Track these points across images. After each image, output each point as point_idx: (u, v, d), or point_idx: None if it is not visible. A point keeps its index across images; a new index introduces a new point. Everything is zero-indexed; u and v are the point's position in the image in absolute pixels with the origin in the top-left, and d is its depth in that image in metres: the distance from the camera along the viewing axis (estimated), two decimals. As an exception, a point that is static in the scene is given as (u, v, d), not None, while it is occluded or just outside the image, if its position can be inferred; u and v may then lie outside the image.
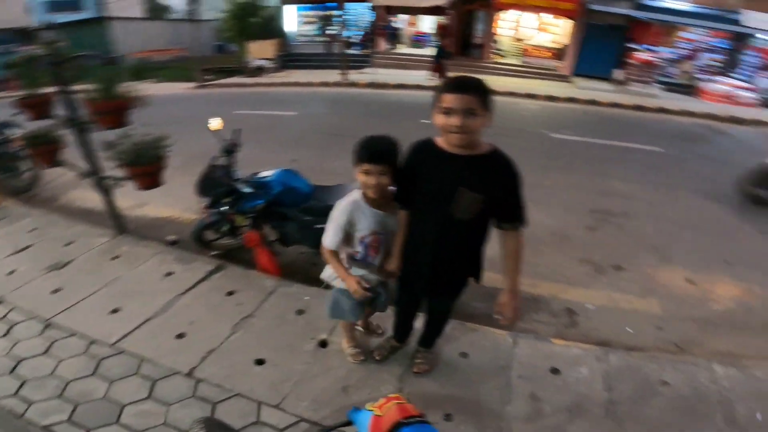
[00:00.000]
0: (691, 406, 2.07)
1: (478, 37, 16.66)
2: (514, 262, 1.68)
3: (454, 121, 1.44)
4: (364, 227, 1.78)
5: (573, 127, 8.17)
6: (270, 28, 19.59)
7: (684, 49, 14.01)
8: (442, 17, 16.24)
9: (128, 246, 3.37)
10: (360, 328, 2.47)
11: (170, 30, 25.22)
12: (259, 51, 17.64)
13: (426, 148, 1.64)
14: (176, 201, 4.45)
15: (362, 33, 18.35)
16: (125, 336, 2.42)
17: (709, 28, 13.42)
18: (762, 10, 12.21)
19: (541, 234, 3.90)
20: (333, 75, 14.42)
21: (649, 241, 4.01)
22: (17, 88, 3.51)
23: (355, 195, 1.80)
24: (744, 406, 2.07)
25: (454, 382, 2.18)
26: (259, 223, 3.19)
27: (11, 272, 3.03)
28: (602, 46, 13.96)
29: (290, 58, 18.23)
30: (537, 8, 14.33)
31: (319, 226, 2.91)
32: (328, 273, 1.99)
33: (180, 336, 2.44)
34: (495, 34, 15.75)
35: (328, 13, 17.92)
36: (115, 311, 2.63)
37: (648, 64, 13.10)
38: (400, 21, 19.16)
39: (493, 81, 12.64)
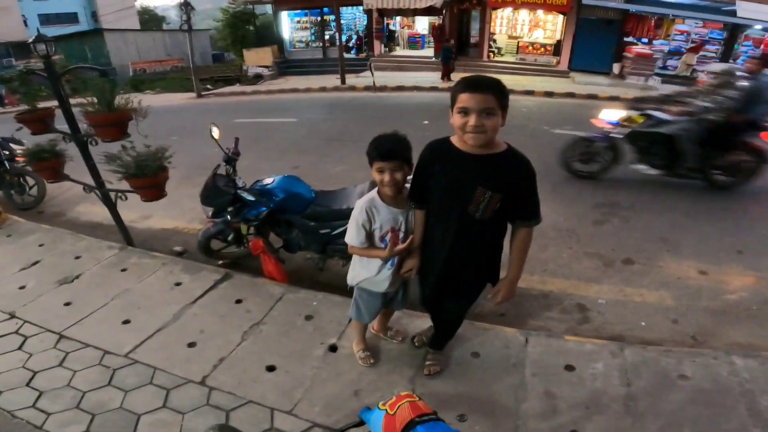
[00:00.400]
0: (713, 399, 2.03)
1: (474, 36, 16.72)
2: (521, 254, 1.71)
3: (471, 120, 1.44)
4: (382, 224, 1.81)
5: (573, 122, 8.14)
6: (266, 36, 19.73)
7: (684, 41, 14.02)
8: (436, 18, 16.31)
9: (136, 258, 3.39)
10: (373, 331, 2.46)
11: (166, 40, 25.39)
12: (256, 58, 17.74)
13: (442, 148, 1.63)
14: (181, 212, 4.46)
15: (357, 37, 18.43)
16: (137, 346, 2.44)
17: (704, 19, 13.43)
18: (756, 0, 12.22)
19: (547, 230, 3.87)
20: (331, 80, 14.49)
21: (657, 233, 3.97)
22: (15, 103, 3.52)
23: (372, 193, 1.83)
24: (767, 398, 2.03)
25: (466, 382, 2.16)
26: (264, 231, 3.19)
27: (22, 287, 3.06)
28: (597, 40, 14.00)
29: (287, 64, 18.32)
30: (530, 5, 14.39)
31: (323, 231, 2.92)
32: (351, 275, 2.04)
33: (191, 345, 2.44)
34: (491, 32, 15.78)
35: (322, 18, 18.01)
36: (126, 322, 2.65)
37: (645, 57, 13.09)
38: (395, 23, 19.22)
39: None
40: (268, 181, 3.08)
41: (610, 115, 5.14)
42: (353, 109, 10.31)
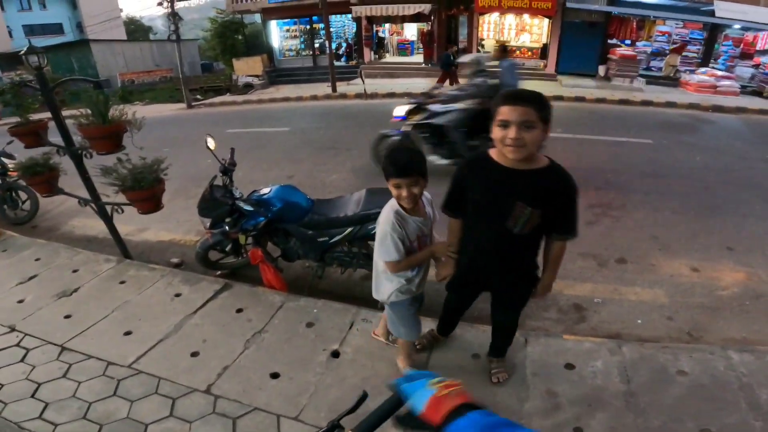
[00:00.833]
0: (713, 394, 2.07)
1: (463, 41, 16.90)
2: (555, 264, 1.76)
3: (510, 133, 1.41)
4: (410, 234, 1.81)
5: (562, 125, 8.26)
6: (255, 45, 19.74)
7: (665, 42, 14.32)
8: (424, 24, 16.48)
9: (134, 270, 3.38)
10: (374, 335, 2.49)
11: (153, 51, 25.25)
12: (246, 68, 17.73)
13: (481, 162, 1.61)
14: (177, 224, 4.45)
15: (347, 44, 18.53)
16: (140, 357, 2.45)
17: (683, 20, 13.74)
18: (734, 0, 12.54)
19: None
20: (322, 88, 14.53)
21: (648, 232, 4.05)
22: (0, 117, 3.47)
23: (392, 205, 1.79)
24: (767, 392, 2.06)
25: (468, 384, 2.13)
26: (262, 241, 3.20)
27: (21, 301, 3.05)
28: (582, 43, 14.22)
29: (278, 73, 18.34)
30: (516, 9, 14.57)
31: (321, 239, 2.94)
32: (383, 294, 1.97)
33: (194, 354, 2.46)
34: (479, 37, 15.97)
35: (311, 26, 18.10)
36: (127, 334, 2.66)
37: (629, 59, 13.34)
38: (384, 30, 19.38)
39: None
40: (265, 191, 3.10)
41: (399, 111, 5.44)
42: (345, 117, 10.35)
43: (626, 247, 3.79)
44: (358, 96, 12.98)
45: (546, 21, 14.84)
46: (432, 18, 15.80)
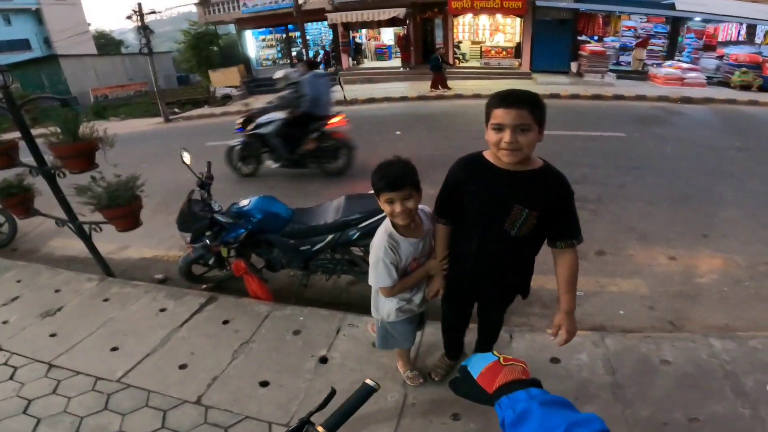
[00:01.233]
0: (698, 383, 2.09)
1: (439, 44, 17.11)
2: (571, 280, 1.61)
3: (505, 137, 1.37)
4: (405, 258, 1.73)
5: (539, 122, 8.44)
6: (231, 55, 19.58)
7: (632, 37, 14.76)
8: (400, 28, 16.63)
9: (117, 288, 3.35)
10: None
11: (126, 64, 24.83)
12: (223, 79, 17.58)
13: (475, 164, 1.56)
14: (159, 240, 4.39)
15: (324, 52, 18.55)
16: (129, 371, 2.44)
17: (645, 14, 14.21)
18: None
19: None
20: (300, 95, 14.45)
21: (625, 224, 4.15)
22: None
23: (386, 227, 1.71)
24: (752, 379, 2.08)
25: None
26: (245, 252, 3.18)
27: (5, 322, 3.03)
28: (554, 40, 14.59)
29: (256, 83, 18.20)
30: (488, 10, 14.85)
31: (303, 248, 2.94)
32: (381, 312, 1.92)
33: (182, 367, 2.45)
34: (455, 39, 16.19)
35: (287, 35, 18.06)
36: (114, 349, 2.64)
37: (599, 55, 13.71)
38: (361, 36, 19.48)
39: (457, 85, 12.93)
40: (244, 203, 3.09)
41: (238, 123, 6.09)
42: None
43: (605, 239, 3.88)
44: (338, 103, 12.96)
45: (518, 20, 15.16)
46: (407, 22, 15.95)
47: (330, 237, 2.86)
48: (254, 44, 19.00)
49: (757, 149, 6.49)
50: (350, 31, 17.67)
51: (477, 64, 16.19)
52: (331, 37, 18.03)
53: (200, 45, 19.99)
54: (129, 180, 3.09)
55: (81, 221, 3.34)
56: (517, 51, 15.65)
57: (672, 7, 13.29)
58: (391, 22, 16.13)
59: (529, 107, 1.36)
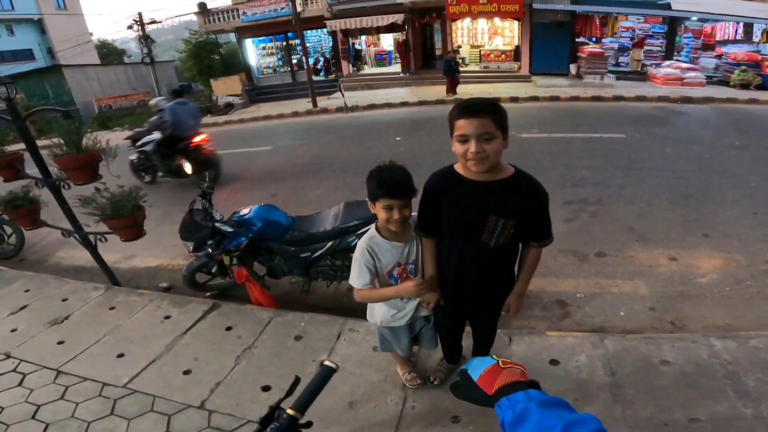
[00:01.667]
0: (699, 383, 2.09)
1: (439, 48, 17.19)
2: (530, 271, 1.71)
3: (471, 147, 1.38)
4: (387, 262, 1.73)
5: (539, 125, 8.47)
6: (232, 64, 19.70)
7: (628, 38, 14.79)
8: (400, 34, 16.72)
9: (123, 296, 3.42)
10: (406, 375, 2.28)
11: (129, 74, 24.95)
12: (225, 87, 17.70)
13: (448, 178, 1.57)
14: (163, 249, 4.45)
15: (324, 59, 18.67)
16: (134, 377, 2.49)
17: (642, 14, 14.24)
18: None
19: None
20: (303, 104, 14.59)
21: (625, 225, 4.16)
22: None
23: (371, 232, 1.74)
24: (753, 378, 2.08)
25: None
26: (247, 260, 3.22)
27: (13, 330, 3.10)
28: (552, 43, 14.64)
29: (257, 91, 18.35)
30: (486, 14, 14.91)
31: (304, 255, 2.98)
32: (375, 317, 1.95)
33: (186, 372, 2.50)
34: (453, 43, 16.27)
35: (287, 42, 18.20)
36: (120, 356, 2.70)
37: (597, 56, 13.74)
38: (361, 42, 19.59)
39: (458, 89, 12.94)
40: (245, 211, 3.14)
41: (125, 139, 7.17)
42: (327, 132, 10.41)
43: (605, 240, 3.89)
44: (339, 110, 13.07)
45: (516, 23, 15.22)
46: (406, 28, 16.05)
47: (329, 244, 2.90)
48: (255, 52, 19.15)
49: (758, 147, 6.48)
50: (349, 38, 17.79)
51: (477, 68, 16.25)
52: (330, 44, 18.15)
53: (201, 54, 20.12)
54: (132, 191, 3.14)
55: (86, 232, 3.39)
56: (516, 54, 15.71)
57: (668, 7, 13.32)
58: (390, 28, 16.23)
59: (490, 115, 1.37)
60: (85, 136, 3.05)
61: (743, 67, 12.01)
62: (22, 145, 3.18)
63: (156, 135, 6.52)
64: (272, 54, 19.13)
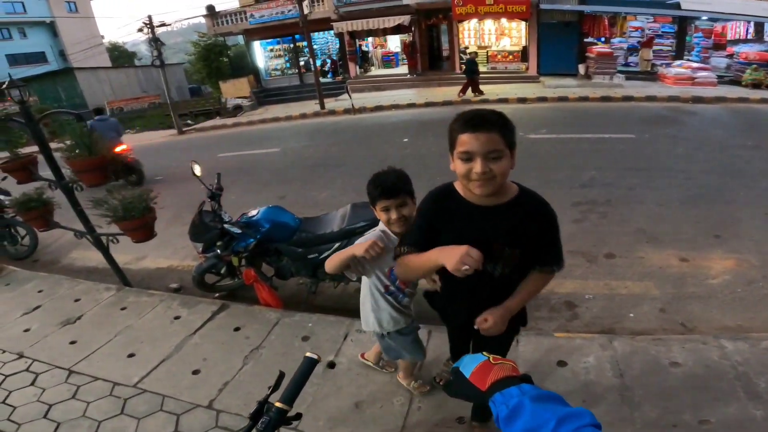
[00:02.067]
0: (709, 384, 2.07)
1: (445, 50, 17.16)
2: (527, 292, 1.48)
3: (476, 167, 1.19)
4: (391, 260, 1.65)
5: (547, 126, 8.42)
6: (241, 66, 19.88)
7: (638, 38, 14.65)
8: (406, 35, 16.74)
9: (134, 297, 3.47)
10: (362, 358, 2.44)
11: (139, 76, 25.28)
12: (234, 90, 17.85)
13: (447, 199, 1.38)
14: (173, 251, 4.51)
15: (331, 61, 18.75)
16: (144, 377, 2.54)
17: (651, 14, 14.08)
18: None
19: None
20: (310, 106, 14.66)
21: (635, 226, 4.12)
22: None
23: (382, 226, 1.74)
24: (764, 380, 2.05)
25: None
26: (255, 261, 3.25)
27: (27, 330, 3.16)
28: (560, 43, 14.52)
29: (266, 93, 18.46)
30: (493, 14, 14.86)
31: (311, 256, 3.01)
32: (368, 323, 1.96)
33: (195, 372, 2.54)
34: (461, 44, 16.23)
35: (294, 45, 18.30)
36: (131, 356, 2.75)
37: (606, 56, 13.62)
38: (368, 44, 19.64)
39: (468, 91, 12.88)
40: (253, 213, 3.17)
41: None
42: (335, 134, 10.46)
43: (614, 241, 3.86)
44: (346, 111, 13.12)
45: (523, 24, 15.14)
46: (413, 29, 16.06)
47: (337, 245, 2.92)
48: (263, 54, 19.27)
49: (770, 147, 6.38)
50: (356, 40, 17.84)
51: (484, 69, 16.18)
52: (337, 46, 18.22)
53: (210, 56, 20.32)
54: (143, 193, 3.19)
55: (98, 233, 3.45)
56: (524, 55, 15.63)
57: (677, 6, 13.17)
58: (397, 30, 16.25)
59: (499, 130, 1.19)
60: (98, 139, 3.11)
61: (755, 67, 11.82)
62: (35, 148, 3.25)
63: None
64: (280, 56, 19.24)
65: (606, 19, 14.36)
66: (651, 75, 13.67)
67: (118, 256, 3.72)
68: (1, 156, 3.64)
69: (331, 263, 1.70)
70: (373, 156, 7.46)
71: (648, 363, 2.25)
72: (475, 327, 1.47)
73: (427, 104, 12.58)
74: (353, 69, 17.80)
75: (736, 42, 13.67)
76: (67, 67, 25.08)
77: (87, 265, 4.51)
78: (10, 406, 2.39)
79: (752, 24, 13.28)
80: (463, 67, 16.30)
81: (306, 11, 13.93)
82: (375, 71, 19.30)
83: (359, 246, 1.62)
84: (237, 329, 2.89)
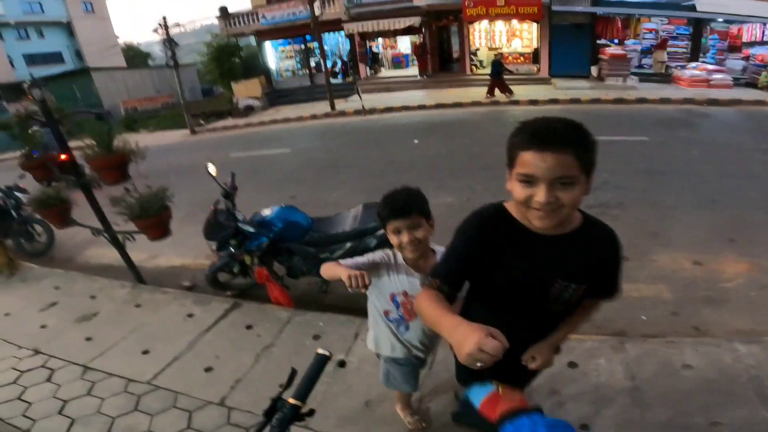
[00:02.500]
0: (721, 387, 2.06)
1: (456, 51, 17.12)
2: (580, 322, 1.37)
3: (539, 195, 0.97)
4: (395, 284, 1.57)
5: (558, 127, 8.35)
6: (252, 66, 20.01)
7: (652, 39, 14.47)
8: (416, 36, 16.75)
9: (148, 294, 3.53)
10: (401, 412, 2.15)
11: (153, 77, 25.54)
12: (245, 90, 18.01)
13: (500, 224, 1.13)
14: (187, 249, 4.57)
15: (342, 62, 18.82)
16: (158, 374, 2.57)
17: (666, 16, 13.91)
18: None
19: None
20: (321, 106, 14.73)
21: (648, 229, 4.08)
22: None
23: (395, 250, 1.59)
24: None
25: None
26: (267, 260, 3.30)
27: (43, 326, 3.21)
28: (572, 45, 14.40)
29: (277, 94, 18.58)
30: (504, 16, 14.79)
31: (323, 255, 3.04)
32: (369, 339, 1.88)
33: (208, 369, 2.57)
34: (471, 46, 16.18)
35: (305, 45, 18.42)
36: (145, 353, 2.79)
37: (619, 58, 13.47)
38: (378, 45, 19.68)
39: (475, 92, 12.88)
40: (266, 212, 3.21)
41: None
42: (345, 135, 10.50)
43: (627, 244, 3.69)
44: (356, 112, 13.16)
45: (535, 25, 15.05)
46: (423, 30, 16.07)
47: (349, 245, 2.94)
48: (274, 55, 19.41)
49: (787, 151, 6.27)
50: (367, 41, 17.90)
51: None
52: (348, 47, 18.29)
53: (222, 57, 20.50)
54: (159, 191, 3.25)
55: (115, 231, 3.52)
56: (535, 56, 15.53)
57: (692, 8, 13.00)
58: (407, 31, 16.26)
59: (573, 150, 0.94)
60: (116, 137, 3.18)
61: (772, 68, 11.62)
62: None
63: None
64: (291, 57, 19.37)
65: (619, 21, 14.23)
66: (665, 77, 13.50)
67: (133, 254, 3.78)
68: (15, 154, 3.71)
69: (325, 272, 1.57)
70: (383, 157, 7.47)
71: (660, 365, 2.24)
72: (523, 363, 1.31)
73: (438, 106, 12.57)
74: (363, 70, 17.85)
75: (751, 44, 13.44)
76: (84, 67, 25.45)
77: (102, 263, 4.58)
78: (26, 402, 2.41)
79: (767, 26, 13.04)
80: (474, 68, 16.34)
81: (317, 12, 14.02)
82: (385, 72, 19.33)
83: (345, 271, 1.42)
84: (249, 327, 2.92)
